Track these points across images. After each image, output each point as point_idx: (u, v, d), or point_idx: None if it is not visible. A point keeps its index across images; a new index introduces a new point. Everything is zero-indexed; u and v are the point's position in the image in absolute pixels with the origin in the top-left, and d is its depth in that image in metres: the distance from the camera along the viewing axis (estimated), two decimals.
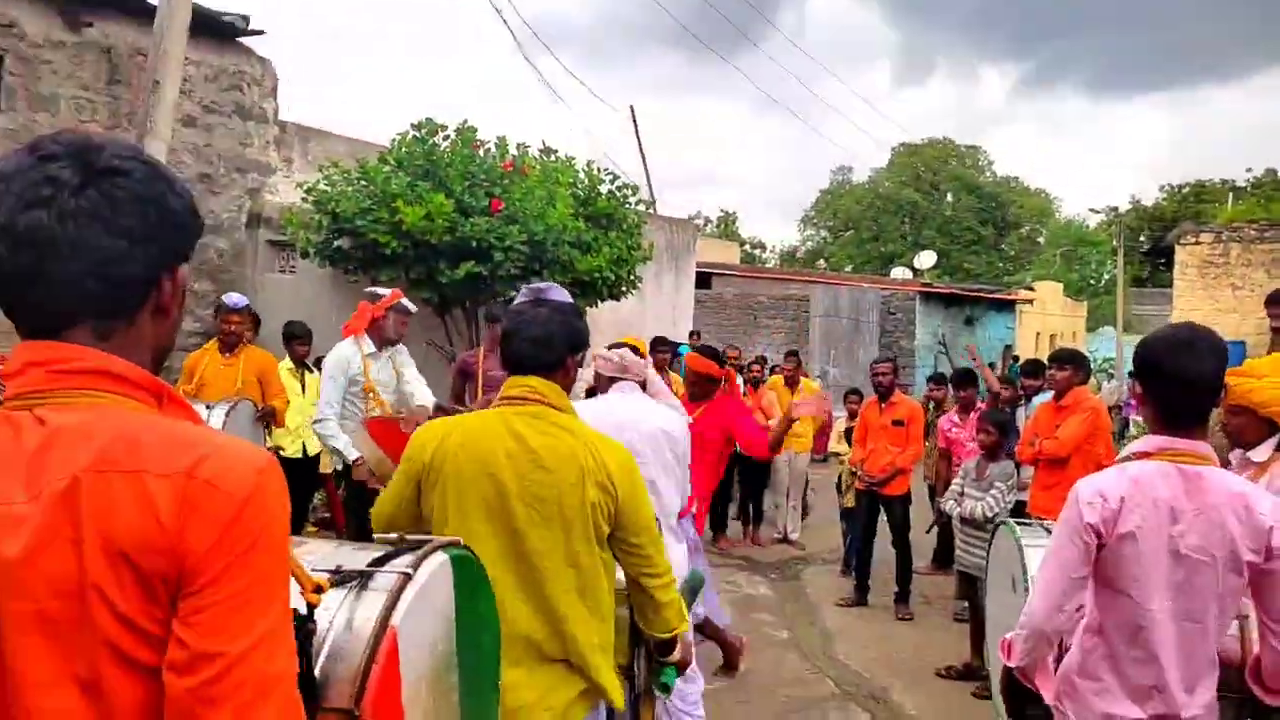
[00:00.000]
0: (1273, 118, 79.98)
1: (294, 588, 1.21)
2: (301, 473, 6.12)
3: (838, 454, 8.19)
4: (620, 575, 2.21)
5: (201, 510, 0.90)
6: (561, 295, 2.39)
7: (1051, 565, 2.05)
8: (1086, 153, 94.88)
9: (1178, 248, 16.13)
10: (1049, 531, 2.53)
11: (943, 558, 7.32)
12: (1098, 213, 39.97)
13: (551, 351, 2.17)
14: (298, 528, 6.05)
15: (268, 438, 5.69)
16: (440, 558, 1.57)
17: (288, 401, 5.82)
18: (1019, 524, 2.55)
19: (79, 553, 0.88)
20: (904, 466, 6.46)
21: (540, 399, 2.13)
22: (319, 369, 6.14)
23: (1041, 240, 48.01)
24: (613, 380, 3.32)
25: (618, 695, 2.16)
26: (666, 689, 2.33)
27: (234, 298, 5.77)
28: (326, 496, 6.90)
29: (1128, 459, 2.11)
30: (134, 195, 0.96)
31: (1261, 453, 2.77)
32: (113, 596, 0.88)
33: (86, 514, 0.88)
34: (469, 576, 1.66)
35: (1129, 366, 7.49)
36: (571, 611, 2.07)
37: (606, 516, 2.10)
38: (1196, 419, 2.10)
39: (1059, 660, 2.20)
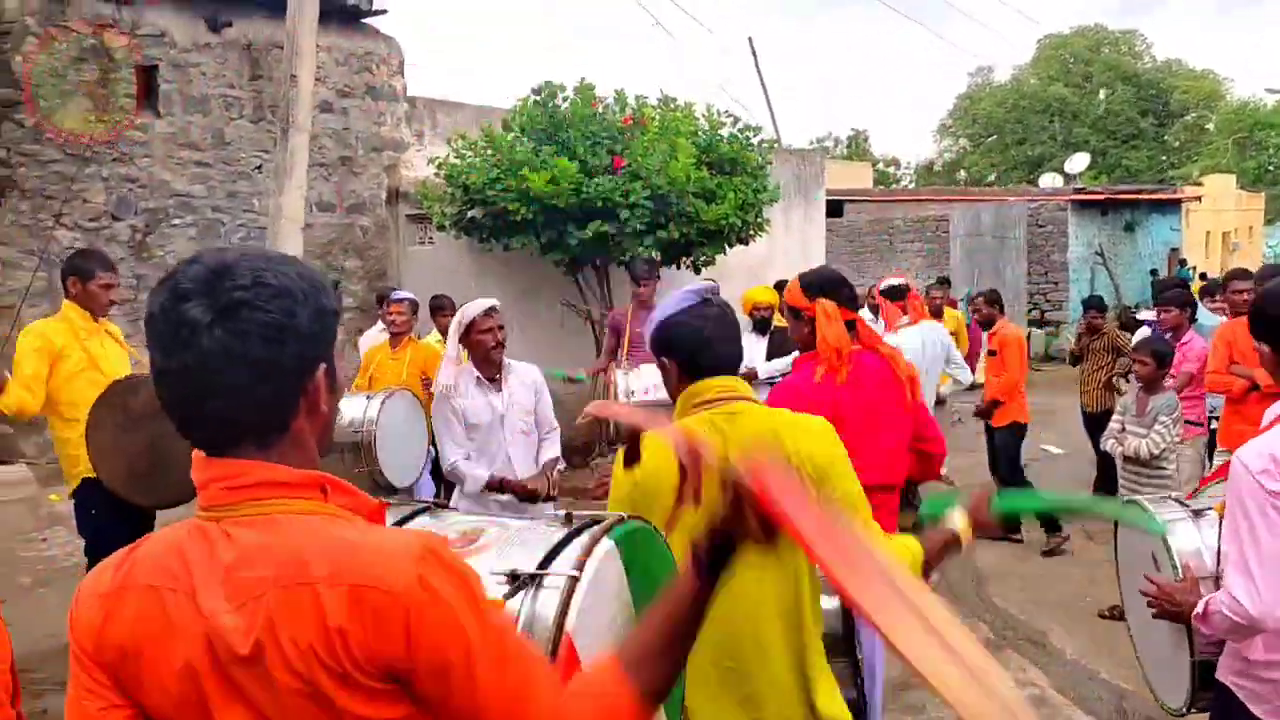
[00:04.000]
0: None
1: None
2: None
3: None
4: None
5: (379, 615, 0.99)
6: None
7: (1257, 552, 1.86)
8: (1261, 26, 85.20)
9: None
10: (1181, 504, 2.39)
11: (1103, 490, 7.02)
12: (1276, 93, 35.89)
13: (740, 347, 2.20)
14: None
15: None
16: (605, 546, 1.61)
17: None
18: (1149, 500, 2.43)
19: (284, 658, 0.99)
20: (996, 397, 6.48)
21: (739, 395, 2.10)
22: None
23: (1210, 127, 43.74)
24: None
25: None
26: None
27: (398, 292, 6.22)
28: None
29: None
30: (261, 325, 1.02)
31: None
32: (324, 690, 0.99)
33: (280, 625, 0.99)
34: (640, 544, 1.71)
35: None
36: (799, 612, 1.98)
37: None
38: None
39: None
